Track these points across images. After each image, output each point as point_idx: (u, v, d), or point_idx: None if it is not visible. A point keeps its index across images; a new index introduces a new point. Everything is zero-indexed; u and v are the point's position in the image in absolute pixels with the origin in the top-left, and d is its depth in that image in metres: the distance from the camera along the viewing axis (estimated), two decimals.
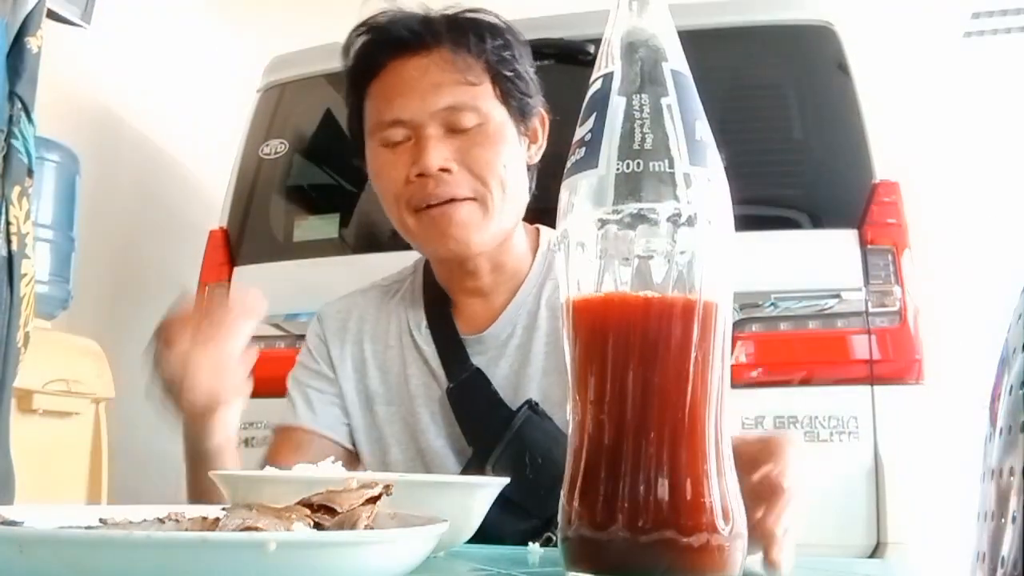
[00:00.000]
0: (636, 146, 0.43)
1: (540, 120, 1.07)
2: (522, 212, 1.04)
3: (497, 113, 0.99)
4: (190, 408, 0.88)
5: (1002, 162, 3.94)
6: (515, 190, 1.00)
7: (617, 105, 0.44)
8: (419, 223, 0.98)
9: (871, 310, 1.98)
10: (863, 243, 2.01)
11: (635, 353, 0.43)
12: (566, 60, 2.25)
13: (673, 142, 0.43)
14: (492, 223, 0.98)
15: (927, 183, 3.25)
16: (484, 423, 1.00)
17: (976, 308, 3.39)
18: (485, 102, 0.98)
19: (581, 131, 0.46)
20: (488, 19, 1.03)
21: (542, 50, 2.28)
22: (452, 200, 0.96)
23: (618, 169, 0.43)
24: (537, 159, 1.06)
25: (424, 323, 1.07)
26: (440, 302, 1.08)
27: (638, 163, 0.43)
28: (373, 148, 1.01)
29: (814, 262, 2.00)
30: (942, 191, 3.75)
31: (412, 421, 1.04)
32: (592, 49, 2.21)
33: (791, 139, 2.19)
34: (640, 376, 0.43)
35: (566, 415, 1.00)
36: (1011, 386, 0.32)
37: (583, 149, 0.45)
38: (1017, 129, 3.85)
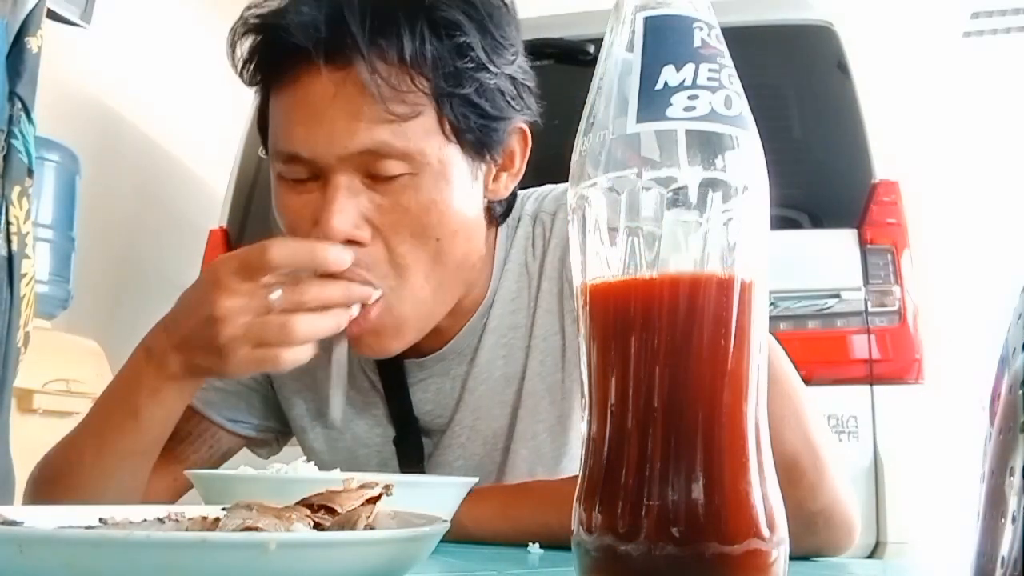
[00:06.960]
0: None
1: (520, 138, 0.79)
2: (474, 269, 0.80)
3: (438, 155, 0.71)
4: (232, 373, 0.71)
5: (1002, 162, 3.95)
6: (460, 258, 0.76)
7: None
8: None
9: (871, 310, 1.98)
10: (863, 243, 2.01)
11: (664, 335, 0.37)
12: (566, 60, 2.25)
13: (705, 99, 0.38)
14: (419, 322, 0.76)
15: (927, 183, 3.26)
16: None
17: (976, 308, 3.39)
18: (421, 142, 0.70)
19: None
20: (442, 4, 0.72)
21: (542, 50, 2.28)
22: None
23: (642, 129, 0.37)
24: (511, 189, 0.81)
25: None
26: None
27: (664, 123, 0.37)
28: (274, 174, 0.77)
29: (814, 262, 2.01)
30: (942, 191, 3.75)
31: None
32: (592, 49, 2.21)
33: (791, 139, 2.19)
34: (671, 359, 0.37)
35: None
36: (1011, 386, 0.32)
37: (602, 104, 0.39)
38: (1017, 129, 3.85)
